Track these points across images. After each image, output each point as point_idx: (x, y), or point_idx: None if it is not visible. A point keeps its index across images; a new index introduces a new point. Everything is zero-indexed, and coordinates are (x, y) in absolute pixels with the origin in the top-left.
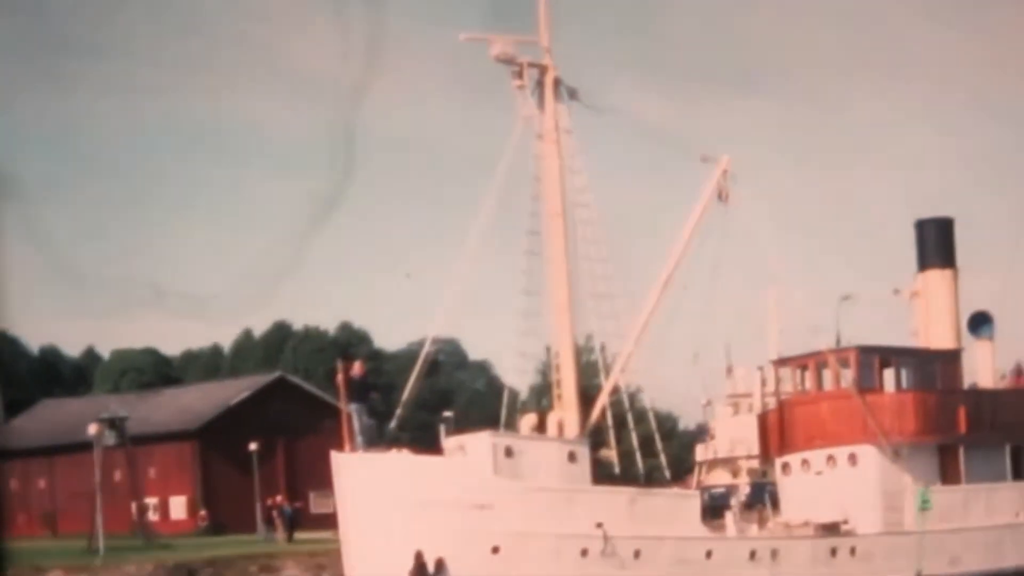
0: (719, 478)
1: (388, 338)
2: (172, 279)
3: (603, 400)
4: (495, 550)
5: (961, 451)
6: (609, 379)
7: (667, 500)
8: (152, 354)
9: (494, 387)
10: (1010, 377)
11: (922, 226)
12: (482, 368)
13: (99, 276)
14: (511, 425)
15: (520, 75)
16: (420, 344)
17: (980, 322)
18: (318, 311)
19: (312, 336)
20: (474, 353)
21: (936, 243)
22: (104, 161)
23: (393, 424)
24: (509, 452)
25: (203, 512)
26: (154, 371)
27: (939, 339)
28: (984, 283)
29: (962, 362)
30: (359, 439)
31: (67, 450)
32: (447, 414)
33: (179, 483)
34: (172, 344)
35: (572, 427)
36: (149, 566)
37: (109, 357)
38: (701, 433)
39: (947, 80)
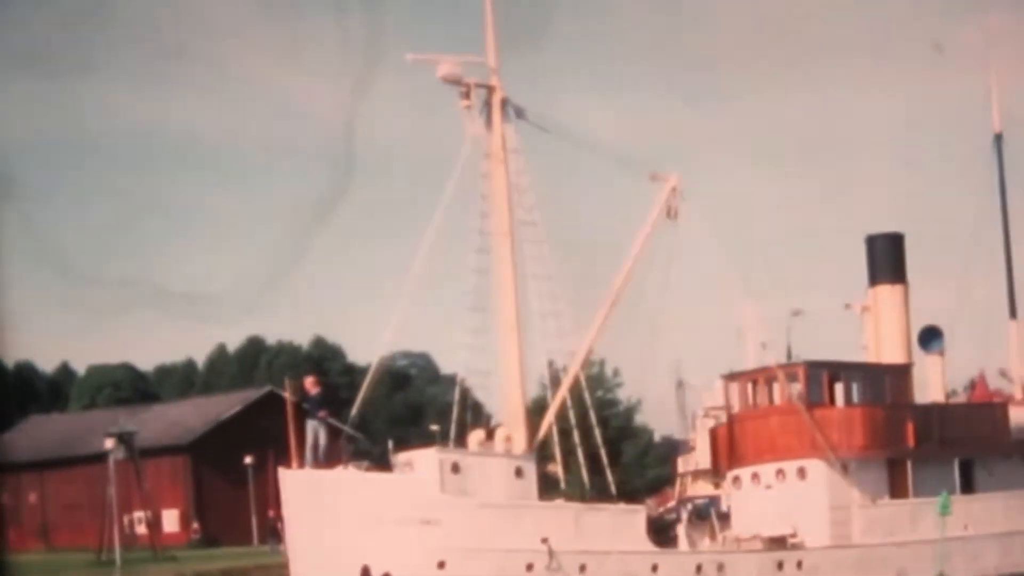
0: (702, 489)
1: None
2: (170, 280)
3: (550, 416)
4: (441, 565)
5: (909, 465)
6: (557, 396)
7: (613, 515)
8: (127, 369)
9: (467, 400)
10: (970, 390)
11: (872, 241)
12: (454, 382)
13: (95, 277)
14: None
15: (467, 95)
16: (392, 359)
17: (930, 337)
18: (291, 326)
19: (286, 351)
20: (446, 367)
21: (886, 258)
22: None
23: (349, 441)
24: (456, 468)
25: (195, 525)
26: (130, 386)
27: (889, 354)
28: (935, 298)
29: (912, 377)
30: (308, 455)
31: (57, 465)
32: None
33: (171, 496)
34: (146, 359)
35: (520, 443)
36: None
37: (85, 373)
38: (683, 446)
39: (900, 94)
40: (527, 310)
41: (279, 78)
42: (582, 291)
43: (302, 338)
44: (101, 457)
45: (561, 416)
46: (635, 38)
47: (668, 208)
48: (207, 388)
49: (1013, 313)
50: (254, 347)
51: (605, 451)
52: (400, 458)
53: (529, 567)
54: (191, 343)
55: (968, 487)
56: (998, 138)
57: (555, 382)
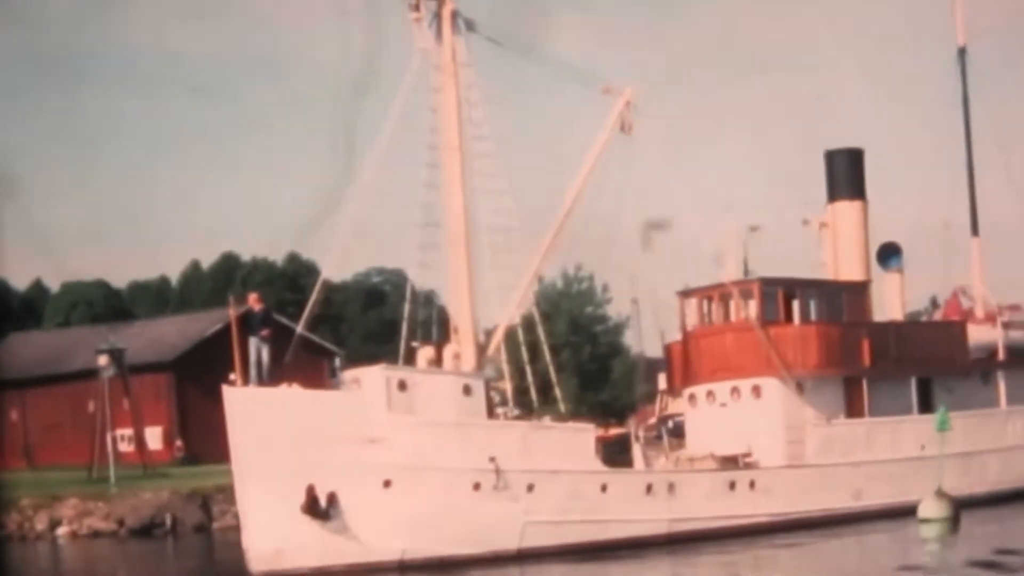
0: (681, 407)
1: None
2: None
3: (500, 334)
4: (387, 484)
5: (865, 384)
6: (506, 312)
7: (561, 434)
8: (102, 286)
9: (443, 317)
10: (941, 307)
11: (831, 157)
12: (429, 298)
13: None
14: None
15: (416, 7)
16: (367, 275)
17: (889, 254)
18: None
19: (261, 267)
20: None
21: (845, 174)
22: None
23: (288, 357)
24: (403, 385)
25: (179, 443)
26: (104, 303)
27: (848, 271)
28: (896, 215)
29: (870, 294)
30: (252, 372)
31: (38, 383)
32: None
33: (154, 414)
34: (119, 276)
35: (468, 360)
36: (165, 494)
37: (59, 289)
38: (663, 363)
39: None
40: (478, 225)
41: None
42: (535, 207)
43: (276, 254)
44: (83, 375)
45: (549, 332)
46: None
47: (622, 122)
48: (182, 305)
49: (975, 230)
50: (228, 264)
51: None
52: (347, 375)
53: (476, 486)
54: (165, 260)
55: (926, 406)
56: (962, 52)
57: (547, 298)
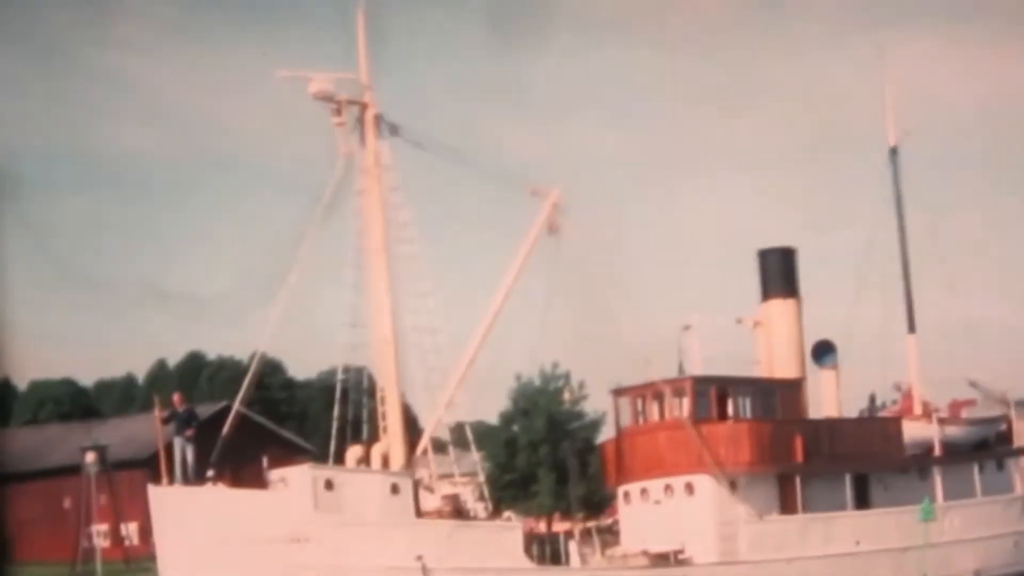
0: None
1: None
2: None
3: (427, 436)
4: None
5: (798, 481)
6: (434, 414)
7: (488, 531)
8: (69, 384)
9: (407, 415)
10: (901, 401)
11: (765, 255)
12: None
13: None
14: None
15: (339, 112)
16: (331, 373)
17: (823, 351)
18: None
19: (227, 366)
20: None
21: (778, 272)
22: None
23: (213, 458)
24: (330, 485)
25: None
26: (71, 401)
27: (782, 368)
28: (830, 312)
29: (804, 392)
30: (178, 471)
31: (14, 479)
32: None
33: (131, 510)
34: (87, 374)
35: (397, 459)
36: None
37: (27, 387)
38: None
39: (790, 111)
40: (403, 326)
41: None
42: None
43: (242, 353)
44: (58, 471)
45: (527, 429)
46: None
47: (550, 223)
48: (148, 403)
49: (912, 328)
50: (194, 362)
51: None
52: (274, 475)
53: None
54: (131, 358)
55: (863, 502)
56: (894, 151)
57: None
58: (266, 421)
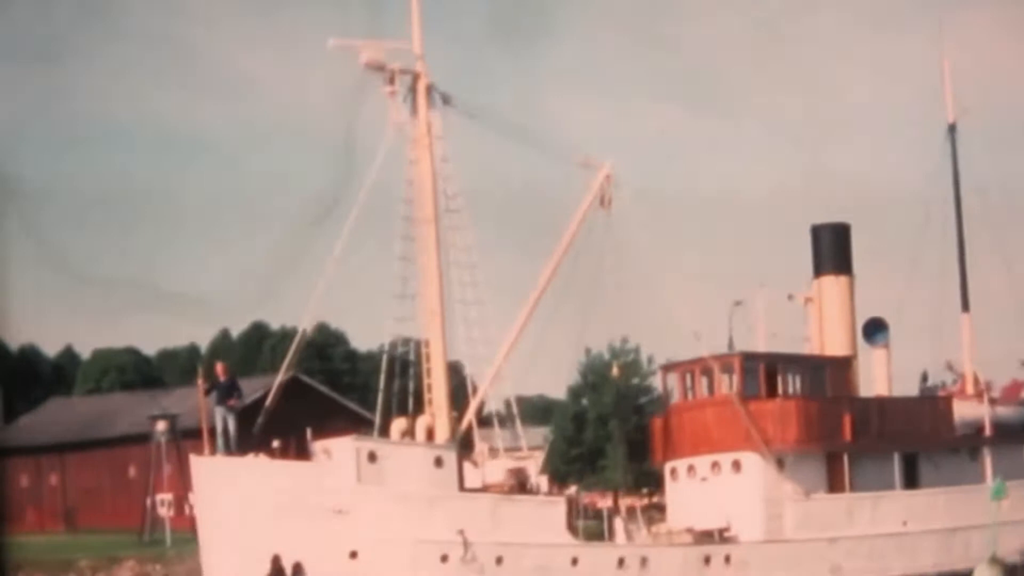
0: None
1: (363, 339)
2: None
3: (474, 407)
4: (353, 555)
5: (846, 459)
6: (481, 387)
7: (532, 507)
8: (133, 354)
9: (464, 389)
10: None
11: (817, 231)
12: (454, 369)
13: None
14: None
15: (391, 81)
16: (393, 345)
17: (875, 329)
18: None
19: (289, 337)
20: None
21: (831, 249)
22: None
23: (258, 426)
24: (373, 457)
25: None
26: (135, 370)
27: (833, 346)
28: (883, 291)
29: (854, 369)
30: (220, 442)
31: (78, 447)
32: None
33: None
34: (150, 344)
35: (442, 432)
36: None
37: (90, 356)
38: None
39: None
40: (451, 298)
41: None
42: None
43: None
44: (123, 440)
45: (596, 404)
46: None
47: (601, 197)
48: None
49: (966, 306)
50: (258, 333)
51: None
52: (317, 446)
53: (444, 558)
54: (194, 328)
55: (912, 482)
56: (952, 128)
57: (594, 369)
58: (329, 391)
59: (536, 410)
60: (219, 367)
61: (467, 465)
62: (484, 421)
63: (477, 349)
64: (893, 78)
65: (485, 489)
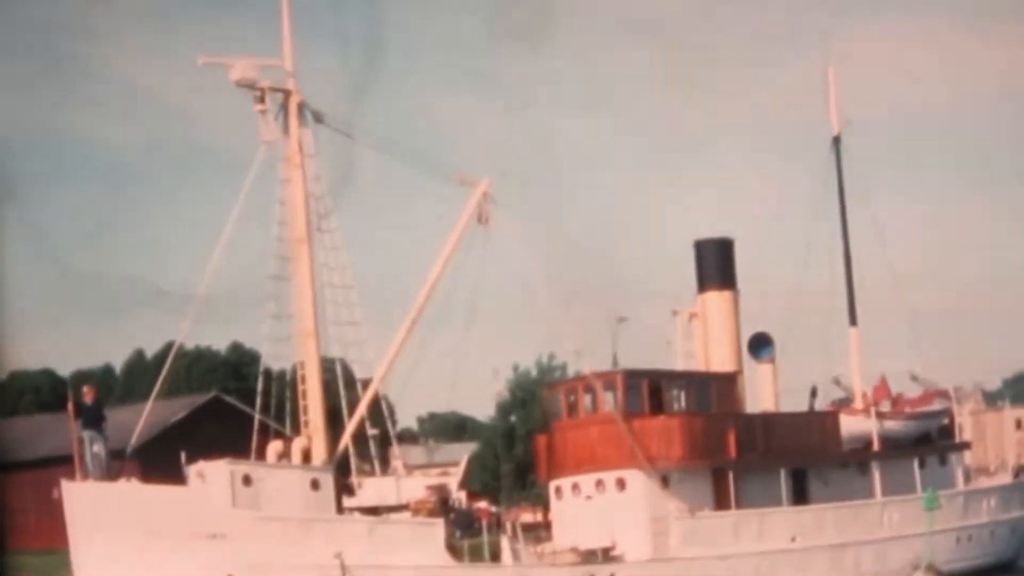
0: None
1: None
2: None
3: (351, 427)
4: None
5: (732, 476)
6: (358, 406)
7: (410, 529)
8: (49, 375)
9: (381, 405)
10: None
11: (701, 246)
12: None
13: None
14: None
15: (262, 99)
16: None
17: (761, 344)
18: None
19: (205, 356)
20: (363, 372)
21: (715, 264)
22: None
23: (130, 447)
24: (248, 480)
25: None
26: (51, 392)
27: (718, 362)
28: (770, 306)
29: (739, 385)
30: (90, 466)
31: (2, 469)
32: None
33: None
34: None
35: (319, 454)
36: None
37: (6, 379)
38: None
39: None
40: (326, 319)
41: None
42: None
43: (220, 344)
44: (47, 462)
45: (526, 420)
46: None
47: (479, 213)
48: (126, 394)
49: (853, 320)
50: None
51: None
52: (192, 469)
53: None
54: (108, 348)
55: (801, 497)
56: (836, 140)
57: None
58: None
59: (449, 426)
60: (87, 390)
61: (383, 482)
62: (399, 438)
63: (353, 368)
64: (781, 93)
65: (406, 507)
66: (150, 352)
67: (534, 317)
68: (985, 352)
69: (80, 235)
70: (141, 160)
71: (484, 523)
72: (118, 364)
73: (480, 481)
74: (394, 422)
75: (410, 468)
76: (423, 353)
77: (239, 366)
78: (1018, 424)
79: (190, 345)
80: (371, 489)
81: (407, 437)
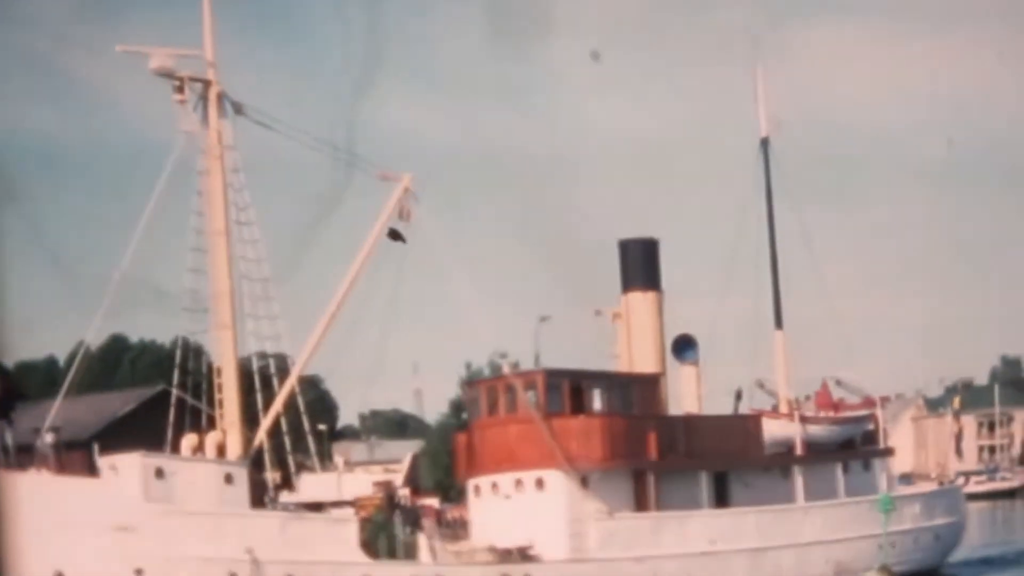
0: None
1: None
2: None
3: (268, 422)
4: (139, 573)
5: (652, 477)
6: (276, 400)
7: (323, 525)
8: None
9: (325, 401)
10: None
11: (625, 246)
12: (312, 382)
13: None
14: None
15: (181, 89)
16: (255, 357)
17: (684, 346)
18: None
19: (149, 349)
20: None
21: (639, 264)
22: None
23: (48, 439)
24: (160, 473)
25: None
26: None
27: (642, 362)
28: (696, 308)
29: (662, 387)
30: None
31: None
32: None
33: None
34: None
35: (234, 448)
36: None
37: None
38: None
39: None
40: (242, 312)
41: None
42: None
43: (164, 337)
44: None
45: None
46: None
47: (401, 209)
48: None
49: (779, 323)
50: (117, 345)
51: None
52: (104, 462)
53: None
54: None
55: (722, 500)
56: (764, 142)
57: None
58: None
59: (391, 424)
60: None
61: (328, 478)
62: (341, 435)
63: (268, 364)
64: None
65: (351, 503)
66: (94, 344)
67: (458, 315)
68: (927, 359)
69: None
70: (62, 146)
71: (431, 521)
72: (62, 356)
73: (433, 479)
74: (335, 419)
75: (351, 465)
76: (384, 350)
77: (183, 359)
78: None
79: (134, 338)
80: (314, 485)
81: (349, 434)
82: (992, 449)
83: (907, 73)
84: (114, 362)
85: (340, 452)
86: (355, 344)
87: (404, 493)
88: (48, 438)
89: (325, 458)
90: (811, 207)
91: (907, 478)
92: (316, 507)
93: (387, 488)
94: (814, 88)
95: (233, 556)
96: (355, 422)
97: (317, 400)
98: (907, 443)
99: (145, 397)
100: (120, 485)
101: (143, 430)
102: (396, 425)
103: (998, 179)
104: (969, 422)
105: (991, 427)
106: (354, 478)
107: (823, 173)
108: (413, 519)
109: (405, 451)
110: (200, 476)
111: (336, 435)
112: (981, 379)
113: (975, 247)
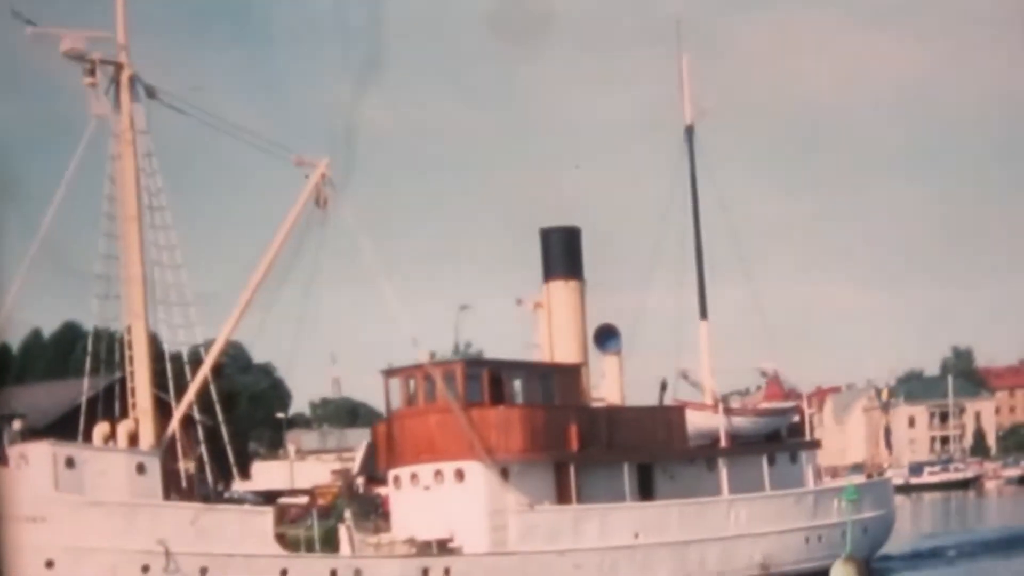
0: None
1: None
2: None
3: (181, 410)
4: (49, 564)
5: (573, 469)
6: (189, 389)
7: (238, 516)
8: None
9: (279, 389)
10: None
11: (547, 234)
12: (266, 371)
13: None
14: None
15: (92, 72)
16: (202, 346)
17: (606, 336)
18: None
19: (102, 337)
20: (259, 356)
21: (561, 253)
22: None
23: (16, 426)
24: (71, 463)
25: None
26: None
27: (563, 352)
28: (620, 298)
29: (584, 377)
30: None
31: None
32: (16, 424)
33: None
34: None
35: (147, 437)
36: None
37: None
38: None
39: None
40: (155, 299)
41: None
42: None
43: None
44: None
45: None
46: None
47: (318, 196)
48: (23, 373)
49: (704, 314)
50: (70, 332)
51: None
52: (13, 451)
53: (145, 568)
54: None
55: (646, 493)
56: (689, 130)
57: None
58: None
59: (341, 412)
60: None
61: (281, 466)
62: (293, 423)
63: (181, 351)
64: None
65: (311, 491)
66: (47, 331)
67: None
68: (877, 351)
69: None
70: None
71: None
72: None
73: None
74: (287, 407)
75: (303, 453)
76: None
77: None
78: (911, 422)
79: (88, 326)
80: (267, 473)
81: (300, 422)
82: (945, 440)
83: (856, 62)
84: (67, 349)
85: (292, 440)
86: (272, 332)
87: (359, 482)
88: (16, 425)
89: (280, 446)
90: (753, 195)
91: (859, 468)
92: (272, 496)
93: (346, 476)
94: (753, 76)
95: (146, 548)
96: (306, 410)
97: (271, 388)
98: (859, 434)
99: (105, 384)
100: (30, 474)
101: (103, 416)
102: (347, 413)
103: (952, 170)
104: (921, 413)
105: (943, 418)
106: (314, 467)
107: (767, 160)
108: (369, 508)
109: (359, 439)
110: (111, 466)
111: (288, 424)
112: (933, 370)
113: (928, 238)
